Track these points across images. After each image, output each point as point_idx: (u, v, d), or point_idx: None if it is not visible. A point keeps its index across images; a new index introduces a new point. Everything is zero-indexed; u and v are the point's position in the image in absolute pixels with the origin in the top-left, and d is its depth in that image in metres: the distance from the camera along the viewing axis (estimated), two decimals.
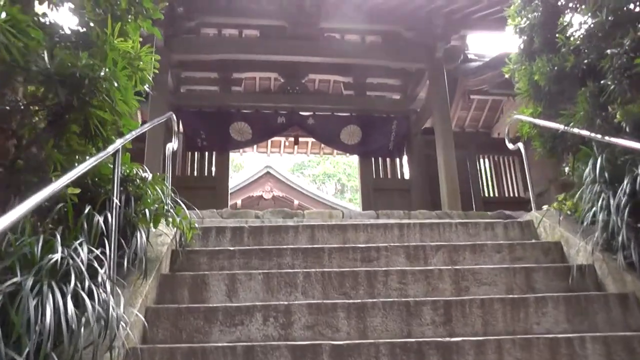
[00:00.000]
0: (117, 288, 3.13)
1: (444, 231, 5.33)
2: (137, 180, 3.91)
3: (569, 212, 5.30)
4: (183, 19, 11.18)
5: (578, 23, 5.03)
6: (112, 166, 3.61)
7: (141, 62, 3.93)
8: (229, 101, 12.97)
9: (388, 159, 13.40)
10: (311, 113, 13.03)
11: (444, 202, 10.66)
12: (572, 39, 4.99)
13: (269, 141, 15.11)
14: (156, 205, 4.13)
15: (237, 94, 13.47)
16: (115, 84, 3.56)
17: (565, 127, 4.90)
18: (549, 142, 5.60)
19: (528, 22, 5.70)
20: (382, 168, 13.35)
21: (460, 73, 12.97)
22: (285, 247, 4.67)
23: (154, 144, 10.18)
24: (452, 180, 10.82)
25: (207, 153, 12.80)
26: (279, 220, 8.11)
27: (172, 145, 5.65)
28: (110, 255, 3.27)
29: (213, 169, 12.73)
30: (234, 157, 28.65)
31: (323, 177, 41.36)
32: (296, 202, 24.44)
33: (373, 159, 13.30)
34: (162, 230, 4.46)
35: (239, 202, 24.03)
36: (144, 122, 11.62)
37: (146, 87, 4.27)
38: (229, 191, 15.45)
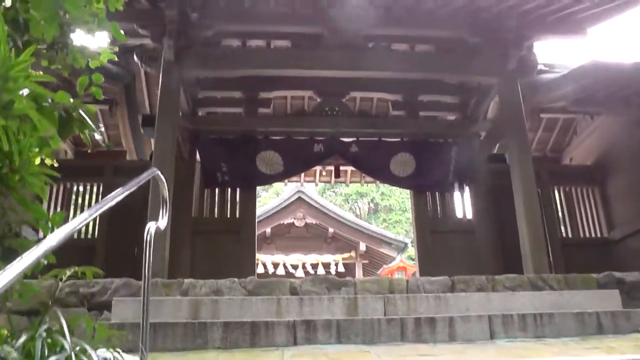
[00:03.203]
0: None
1: None
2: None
3: None
4: (198, 27, 9.07)
5: None
6: None
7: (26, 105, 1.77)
8: (255, 126, 10.84)
9: (447, 194, 11.11)
10: (354, 139, 10.81)
11: (525, 254, 8.28)
12: None
13: None
14: None
15: (265, 117, 11.26)
16: None
17: None
18: None
19: None
20: (441, 205, 11.02)
21: (529, 87, 10.69)
22: None
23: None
24: (534, 222, 8.51)
25: (229, 190, 10.66)
26: (323, 296, 5.92)
27: (158, 224, 3.38)
28: None
29: (237, 208, 10.57)
30: None
31: (356, 197, 39.50)
32: (331, 230, 22.35)
33: (429, 193, 11.02)
34: None
35: (267, 230, 22.03)
36: (151, 156, 9.48)
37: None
38: (257, 219, 13.36)
